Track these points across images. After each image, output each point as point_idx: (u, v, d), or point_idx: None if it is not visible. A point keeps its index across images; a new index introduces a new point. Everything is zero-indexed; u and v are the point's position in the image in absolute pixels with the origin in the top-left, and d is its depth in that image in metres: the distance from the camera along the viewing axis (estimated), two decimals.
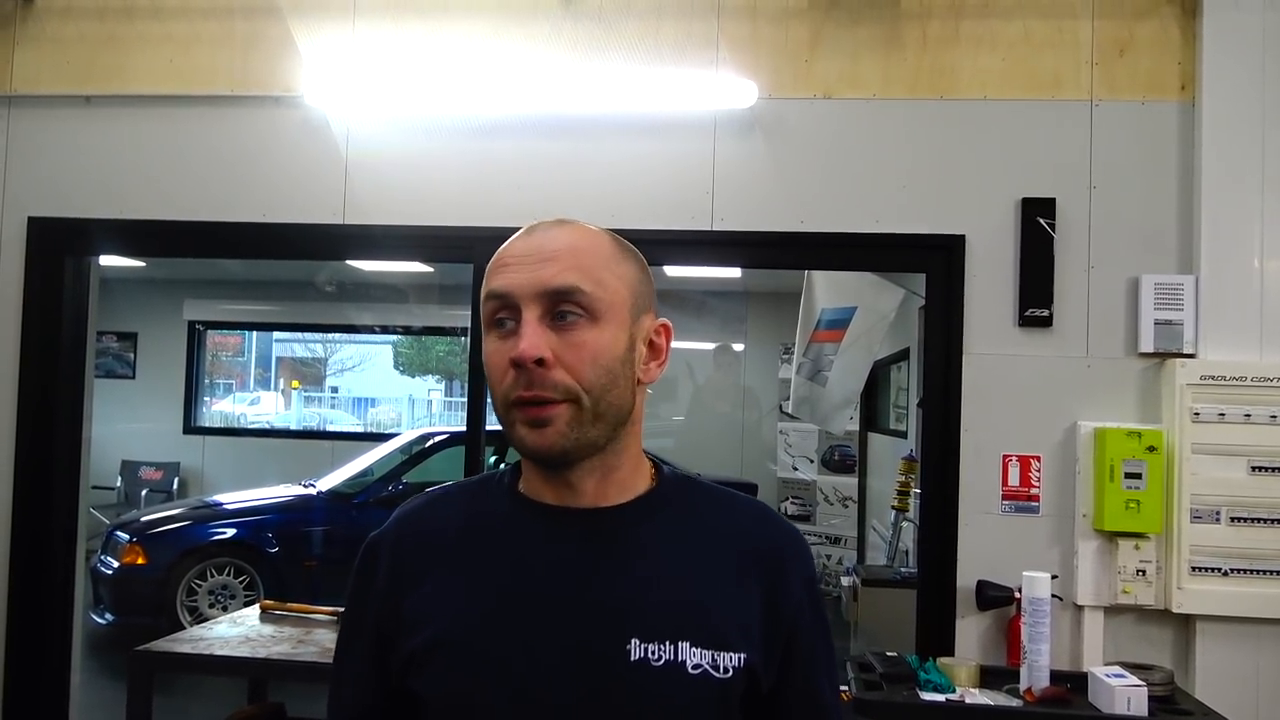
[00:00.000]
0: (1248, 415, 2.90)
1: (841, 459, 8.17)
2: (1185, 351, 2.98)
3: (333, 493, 7.12)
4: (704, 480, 1.20)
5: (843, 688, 2.53)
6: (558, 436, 1.04)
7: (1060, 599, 2.91)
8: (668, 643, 1.04)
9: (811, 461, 8.27)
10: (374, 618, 1.14)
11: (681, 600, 1.07)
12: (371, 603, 1.14)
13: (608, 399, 1.05)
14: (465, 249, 3.18)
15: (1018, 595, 2.89)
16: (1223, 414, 2.90)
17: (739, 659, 1.06)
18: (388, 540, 1.16)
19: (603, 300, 1.05)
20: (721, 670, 1.05)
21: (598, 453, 1.08)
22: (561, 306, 1.04)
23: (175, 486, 9.72)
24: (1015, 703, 2.44)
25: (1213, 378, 2.92)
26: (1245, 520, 2.90)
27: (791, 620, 1.11)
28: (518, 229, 1.12)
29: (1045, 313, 3.04)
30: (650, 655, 1.04)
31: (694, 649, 1.05)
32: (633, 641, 1.04)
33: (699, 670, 1.04)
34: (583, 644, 1.05)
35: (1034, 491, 3.03)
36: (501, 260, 1.08)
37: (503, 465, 1.21)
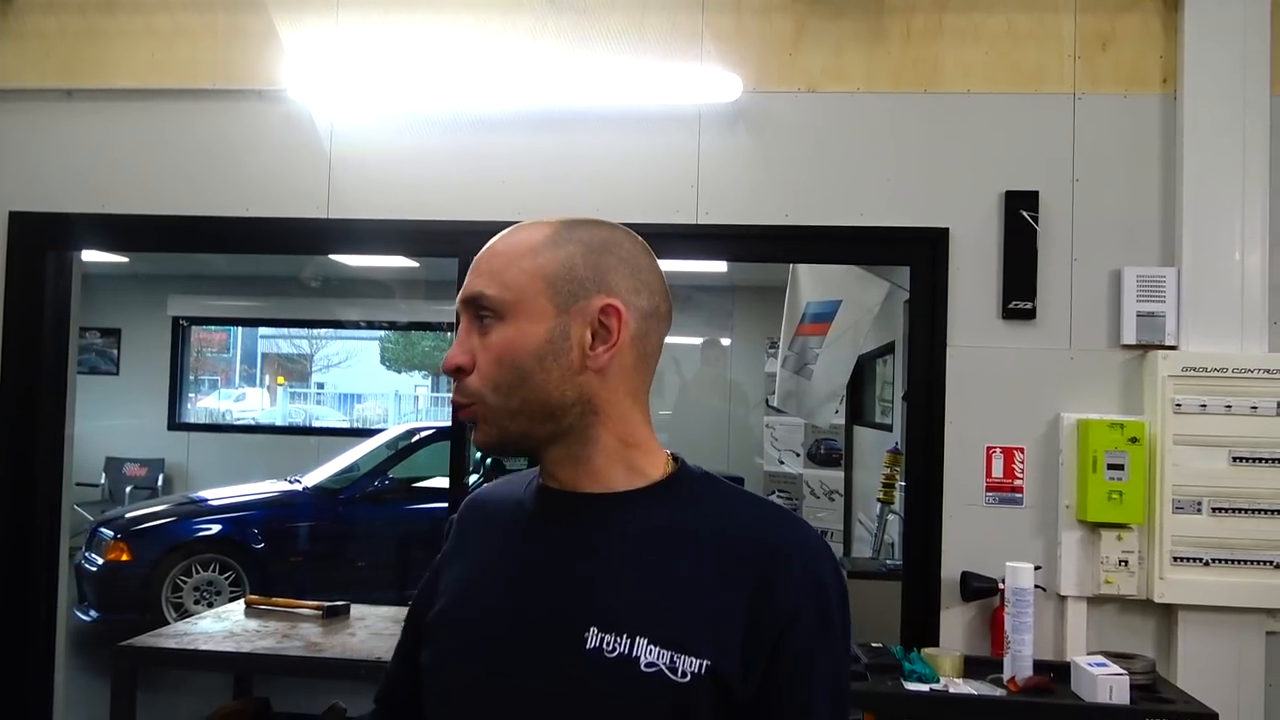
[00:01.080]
0: (1229, 406, 2.92)
1: (827, 452, 8.19)
2: (1167, 343, 3.00)
3: (319, 488, 7.10)
4: (725, 480, 1.15)
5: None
6: (482, 436, 1.11)
7: (1043, 589, 2.93)
8: (625, 636, 1.02)
9: (798, 455, 8.29)
10: (420, 590, 1.23)
11: (650, 596, 1.04)
12: (423, 581, 1.24)
13: (521, 393, 1.07)
14: (450, 243, 3.17)
15: (1001, 586, 2.90)
16: (1204, 405, 2.93)
17: (700, 665, 1.00)
18: (454, 521, 1.24)
19: (504, 298, 1.08)
20: (679, 674, 1.00)
21: (555, 445, 1.10)
22: (479, 313, 1.10)
23: (160, 483, 9.67)
24: (999, 692, 2.46)
25: (1194, 369, 2.94)
26: (1226, 510, 2.92)
27: (782, 627, 1.03)
28: (502, 222, 1.16)
29: (1028, 305, 3.05)
30: (605, 646, 1.02)
31: (651, 646, 1.01)
32: (591, 629, 1.03)
33: (653, 669, 1.00)
34: (545, 626, 1.05)
35: (1017, 483, 3.05)
36: None
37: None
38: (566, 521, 1.10)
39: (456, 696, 1.09)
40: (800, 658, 1.04)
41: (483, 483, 1.28)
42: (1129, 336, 3.02)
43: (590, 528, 1.09)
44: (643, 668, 1.01)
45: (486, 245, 1.13)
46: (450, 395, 1.14)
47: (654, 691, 1.00)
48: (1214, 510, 2.92)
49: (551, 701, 1.04)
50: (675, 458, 1.15)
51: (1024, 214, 3.07)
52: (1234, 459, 2.92)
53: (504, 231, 1.14)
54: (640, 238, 1.16)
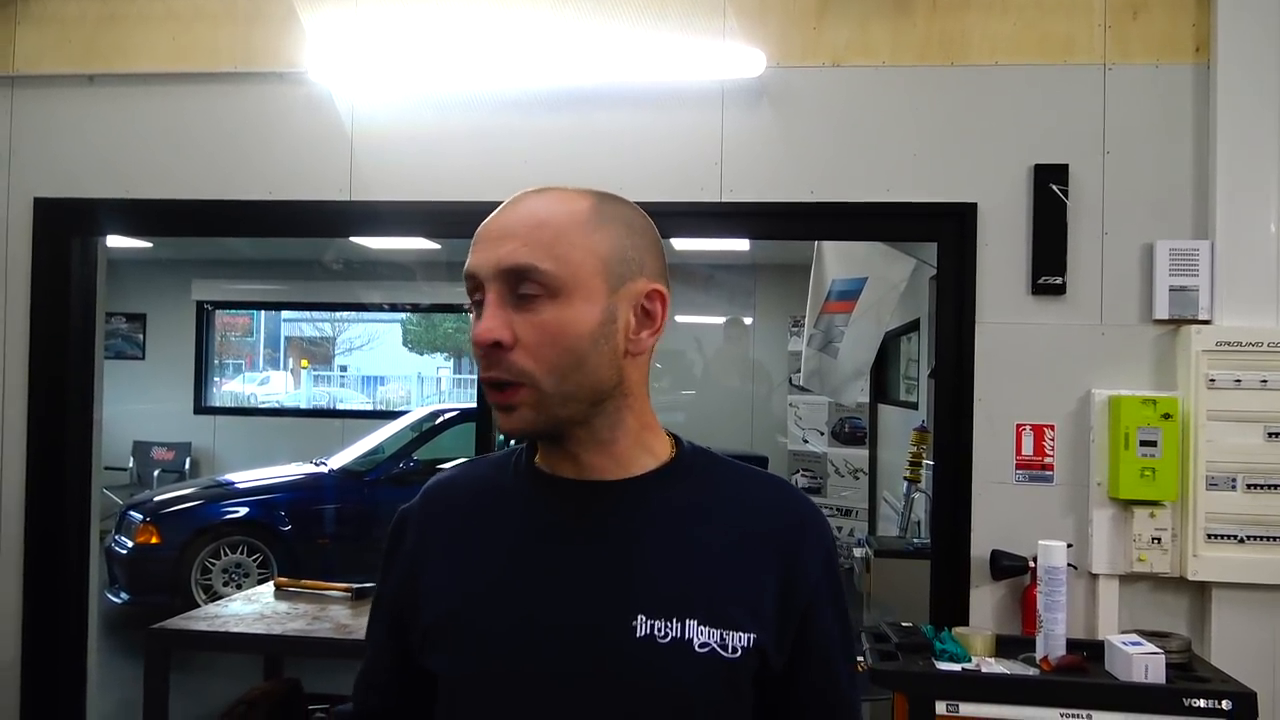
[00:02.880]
0: (1264, 381, 2.87)
1: (851, 431, 8.17)
2: (1200, 318, 2.95)
3: (344, 470, 7.15)
4: (724, 456, 1.17)
5: (858, 658, 2.54)
6: (521, 421, 1.03)
7: (1075, 568, 2.90)
8: (675, 620, 1.03)
9: (822, 434, 8.27)
10: (394, 592, 1.16)
11: (690, 577, 1.05)
12: (394, 576, 1.16)
13: (575, 378, 1.02)
14: (472, 224, 3.14)
15: (1032, 565, 2.88)
16: (1239, 380, 2.88)
17: (748, 639, 1.04)
18: (414, 515, 1.17)
19: (562, 276, 1.02)
20: (730, 650, 1.03)
21: (583, 427, 1.06)
22: (521, 286, 1.02)
23: (187, 466, 9.77)
24: (1032, 671, 2.44)
25: (1228, 344, 2.89)
26: (1261, 487, 2.87)
27: (807, 600, 1.08)
28: None
29: (1058, 280, 3.01)
30: (656, 632, 1.02)
31: (701, 627, 1.03)
32: (639, 618, 1.02)
33: (706, 649, 1.02)
34: (588, 619, 1.03)
35: (1048, 461, 3.01)
36: (475, 237, 1.07)
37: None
38: (593, 511, 1.08)
39: (498, 698, 1.05)
40: (823, 627, 1.10)
41: None
42: (1161, 311, 2.97)
43: (616, 514, 1.08)
44: (697, 649, 1.02)
45: (513, 208, 1.07)
46: (481, 375, 1.05)
47: (708, 670, 1.02)
48: (1249, 487, 2.88)
49: (607, 693, 1.02)
50: (673, 436, 1.16)
51: (1053, 188, 3.02)
52: (1269, 435, 2.88)
53: (527, 196, 1.08)
54: (650, 219, 1.14)
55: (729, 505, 1.10)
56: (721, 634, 1.03)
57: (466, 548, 1.10)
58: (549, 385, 1.02)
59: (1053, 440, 3.01)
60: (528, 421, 1.03)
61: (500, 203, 1.11)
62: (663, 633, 1.02)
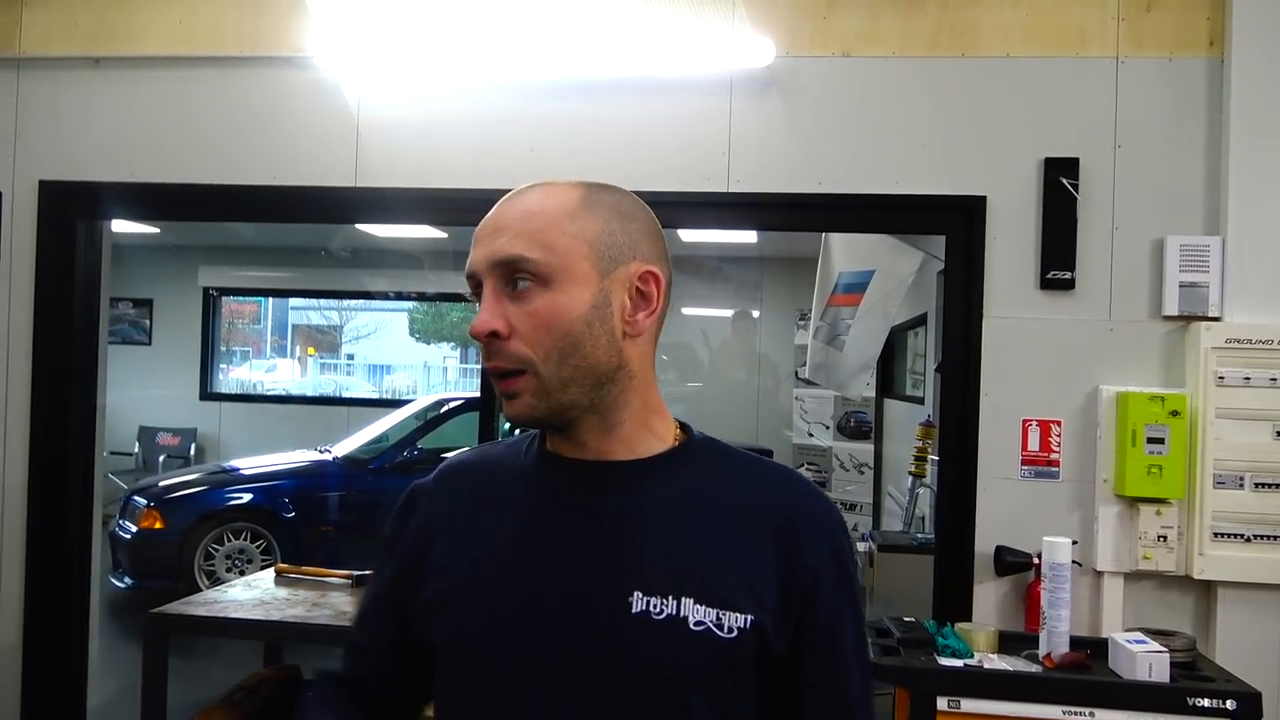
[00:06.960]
0: (1273, 379, 2.85)
1: (857, 425, 8.13)
2: (1210, 314, 2.92)
3: (349, 458, 7.15)
4: (736, 447, 1.18)
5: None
6: (525, 407, 1.07)
7: (1080, 564, 2.88)
8: (671, 597, 1.04)
9: (827, 428, 8.23)
10: (398, 561, 1.18)
11: (688, 557, 1.07)
12: (400, 546, 1.18)
13: (572, 362, 1.06)
14: (478, 212, 3.13)
15: (1036, 561, 2.86)
16: (1248, 378, 2.85)
17: (745, 620, 1.05)
18: (427, 490, 1.20)
19: (551, 263, 1.05)
20: (726, 630, 1.04)
21: (590, 411, 1.09)
22: (513, 276, 1.06)
23: (192, 452, 9.78)
24: (1035, 668, 2.42)
25: (1238, 341, 2.86)
26: (1269, 486, 2.85)
27: (809, 587, 1.08)
28: None
29: (1067, 275, 2.99)
30: (652, 609, 1.04)
31: (698, 606, 1.04)
32: (635, 594, 1.05)
33: (701, 627, 1.04)
34: (585, 595, 1.05)
35: (1054, 456, 2.99)
36: (474, 237, 1.11)
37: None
38: (596, 490, 1.10)
39: (494, 670, 1.08)
40: (828, 612, 1.10)
41: None
42: (1171, 307, 2.95)
43: (621, 495, 1.10)
44: (692, 626, 1.04)
45: (507, 204, 1.11)
46: (484, 365, 1.10)
47: (703, 648, 1.04)
48: (1256, 485, 2.86)
49: (601, 667, 1.04)
50: (681, 423, 1.18)
51: (1064, 181, 2.99)
52: (1278, 433, 2.85)
53: (520, 191, 1.12)
54: (649, 208, 1.17)
55: (734, 491, 1.12)
56: (718, 614, 1.04)
57: (473, 524, 1.13)
58: (548, 370, 1.05)
59: (1059, 436, 2.99)
60: (530, 407, 1.07)
61: (505, 191, 1.13)
62: (658, 609, 1.04)
